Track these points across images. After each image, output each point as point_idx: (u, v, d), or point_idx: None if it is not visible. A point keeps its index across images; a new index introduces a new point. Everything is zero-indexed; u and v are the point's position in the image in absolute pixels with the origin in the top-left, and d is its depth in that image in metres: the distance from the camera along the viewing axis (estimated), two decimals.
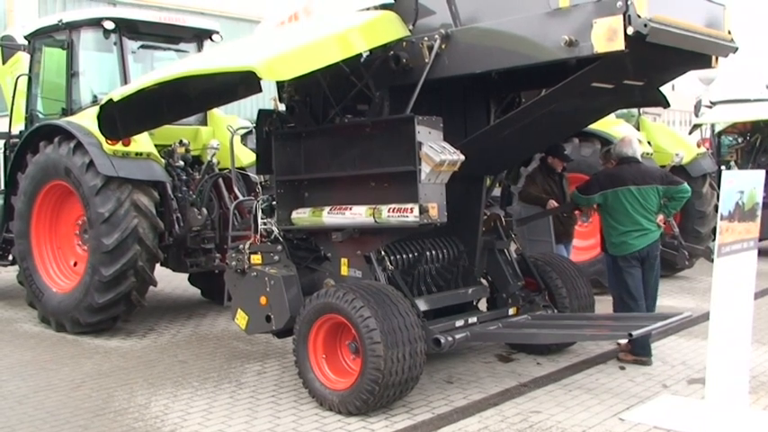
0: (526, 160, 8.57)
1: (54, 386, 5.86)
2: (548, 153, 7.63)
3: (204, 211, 7.71)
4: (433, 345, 5.24)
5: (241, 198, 7.44)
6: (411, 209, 5.04)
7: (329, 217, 5.58)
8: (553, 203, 7.38)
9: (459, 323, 5.69)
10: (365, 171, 5.41)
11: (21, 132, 8.32)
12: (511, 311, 6.22)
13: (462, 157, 4.98)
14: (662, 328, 5.56)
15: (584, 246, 9.34)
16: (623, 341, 6.27)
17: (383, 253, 5.59)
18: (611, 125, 9.30)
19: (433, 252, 6.09)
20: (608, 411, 5.15)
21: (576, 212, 7.34)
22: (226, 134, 7.89)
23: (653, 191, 6.36)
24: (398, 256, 5.84)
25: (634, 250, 6.35)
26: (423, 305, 5.61)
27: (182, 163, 7.93)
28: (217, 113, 8.51)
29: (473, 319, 5.83)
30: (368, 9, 5.33)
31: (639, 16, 4.23)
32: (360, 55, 5.24)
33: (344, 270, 5.67)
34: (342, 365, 5.33)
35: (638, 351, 6.32)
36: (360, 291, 5.07)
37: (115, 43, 7.70)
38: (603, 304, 7.06)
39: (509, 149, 6.03)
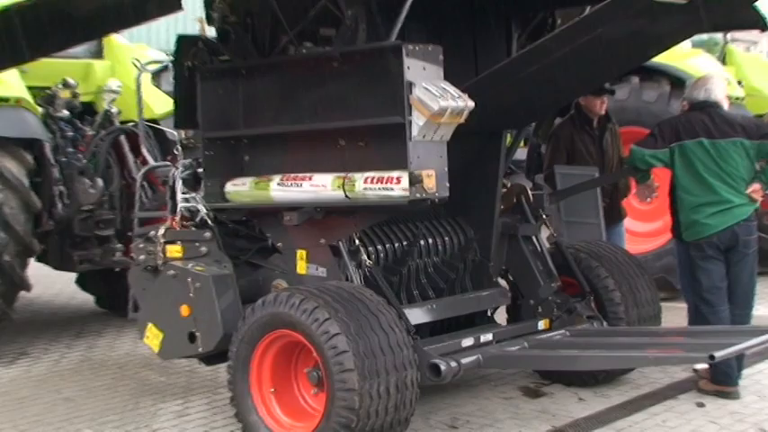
0: (563, 108, 8.57)
1: None
2: None
3: (99, 182, 7.70)
4: (430, 373, 5.24)
5: (153, 164, 7.39)
6: (398, 178, 5.02)
7: (280, 190, 5.58)
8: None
9: (468, 342, 5.69)
10: (331, 124, 5.40)
11: None
12: (541, 325, 6.22)
13: (471, 104, 4.96)
14: (756, 347, 5.52)
15: (646, 230, 9.39)
16: (702, 366, 6.24)
17: (357, 242, 5.60)
18: (685, 58, 9.33)
19: (430, 241, 6.11)
20: None
21: (633, 185, 7.33)
22: (130, 71, 7.85)
23: (735, 147, 6.30)
24: (380, 247, 5.84)
25: (710, 233, 6.32)
26: (415, 316, 5.60)
27: (67, 113, 7.91)
28: (117, 41, 8.49)
29: (487, 337, 5.83)
30: None
31: None
32: None
33: (302, 267, 5.69)
34: (298, 403, 5.34)
35: (720, 378, 6.34)
36: (324, 296, 5.06)
37: None
38: (674, 313, 7.06)
39: (539, 93, 5.98)
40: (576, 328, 6.20)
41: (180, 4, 5.02)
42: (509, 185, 6.51)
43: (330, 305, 5.00)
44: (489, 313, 6.47)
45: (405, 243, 5.99)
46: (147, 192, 7.30)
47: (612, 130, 7.91)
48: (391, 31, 5.06)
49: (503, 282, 6.55)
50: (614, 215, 7.92)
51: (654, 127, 6.75)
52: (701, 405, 6.19)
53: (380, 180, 5.12)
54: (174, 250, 5.85)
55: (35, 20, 5.73)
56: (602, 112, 7.77)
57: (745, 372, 6.59)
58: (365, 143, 5.29)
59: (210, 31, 6.04)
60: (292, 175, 5.56)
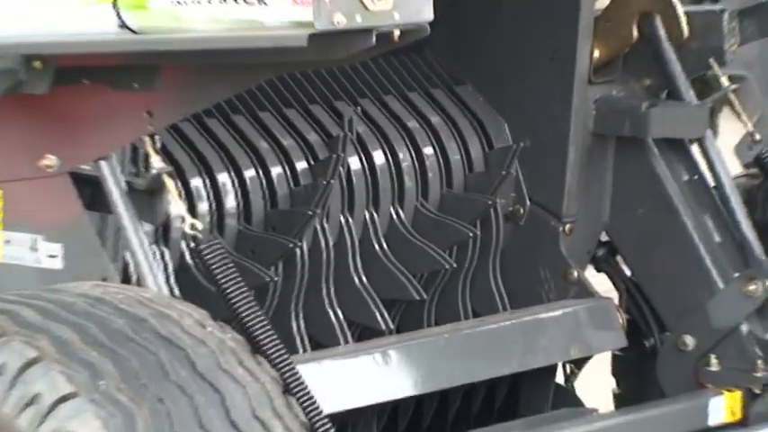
0: None
1: None
2: None
3: None
4: None
5: None
6: None
7: None
8: None
9: None
10: None
11: None
12: (720, 410, 5.94)
13: None
14: None
15: None
16: None
17: (158, 165, 5.10)
18: None
19: (378, 161, 6.04)
20: None
21: None
22: None
23: None
24: (226, 181, 5.65)
25: None
26: (337, 391, 5.34)
27: None
28: None
29: None
30: None
31: None
32: None
33: None
34: None
35: None
36: (56, 329, 4.44)
37: None
38: None
39: None
40: None
41: None
42: None
43: (72, 357, 4.34)
44: (563, 375, 6.23)
45: (302, 168, 5.59)
46: None
47: None
48: None
49: (599, 282, 6.05)
50: None
51: None
52: None
53: None
54: None
55: None
56: None
57: None
58: None
59: None
60: None
